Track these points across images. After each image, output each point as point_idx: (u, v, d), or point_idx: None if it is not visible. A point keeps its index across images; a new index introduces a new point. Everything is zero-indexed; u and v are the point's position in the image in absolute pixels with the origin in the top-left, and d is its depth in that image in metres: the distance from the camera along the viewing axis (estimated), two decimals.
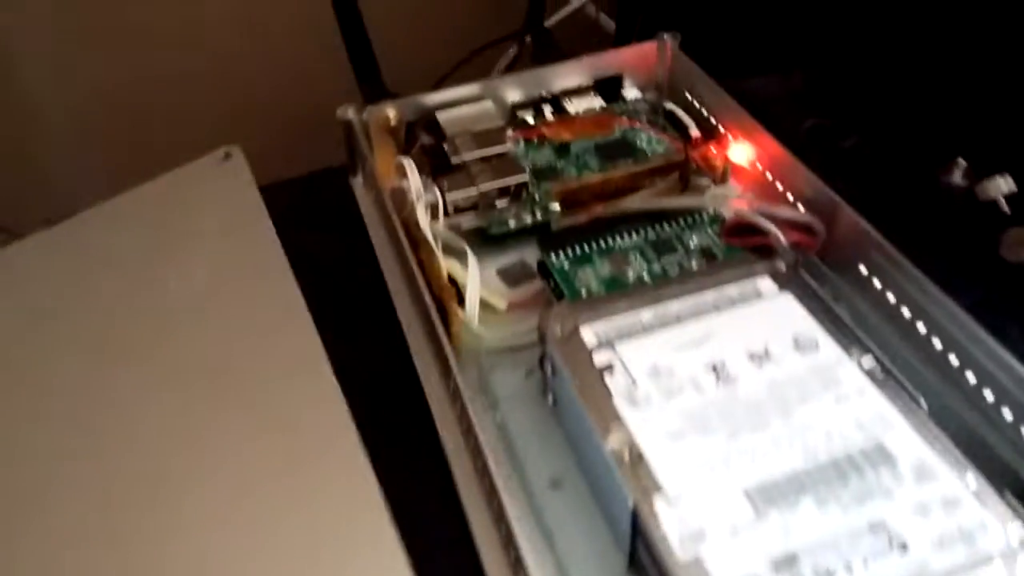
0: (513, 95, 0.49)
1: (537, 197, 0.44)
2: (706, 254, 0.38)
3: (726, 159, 0.45)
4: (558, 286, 0.38)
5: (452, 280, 0.40)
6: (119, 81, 0.80)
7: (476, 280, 0.39)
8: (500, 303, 0.40)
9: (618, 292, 0.35)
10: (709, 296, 0.35)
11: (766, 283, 0.35)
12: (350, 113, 0.46)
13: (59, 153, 0.82)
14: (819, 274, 0.39)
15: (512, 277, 0.42)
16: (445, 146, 0.45)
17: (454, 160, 0.44)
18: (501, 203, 0.43)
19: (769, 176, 0.43)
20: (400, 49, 0.72)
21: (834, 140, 0.51)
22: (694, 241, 0.39)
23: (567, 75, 0.50)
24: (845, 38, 0.57)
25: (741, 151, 0.45)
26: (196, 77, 0.80)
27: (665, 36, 0.50)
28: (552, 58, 0.82)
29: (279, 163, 0.61)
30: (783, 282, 0.35)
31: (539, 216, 0.43)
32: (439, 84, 0.75)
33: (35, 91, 0.79)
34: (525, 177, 0.43)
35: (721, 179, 0.44)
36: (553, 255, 0.39)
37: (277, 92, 0.79)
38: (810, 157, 0.41)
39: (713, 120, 0.47)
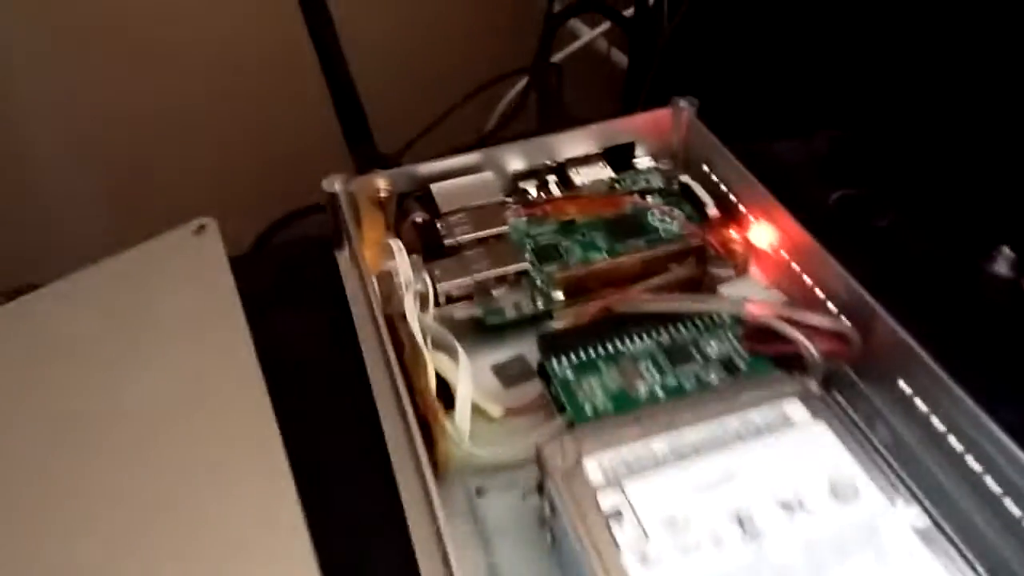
0: (515, 163, 0.45)
1: (538, 282, 0.40)
2: (727, 365, 0.34)
3: (748, 245, 0.41)
4: (559, 397, 0.34)
5: (441, 379, 0.36)
6: (102, 142, 0.76)
7: (468, 389, 0.35)
8: (495, 410, 0.36)
9: (627, 415, 0.31)
10: (731, 423, 0.30)
11: (796, 409, 0.31)
12: (336, 185, 0.42)
13: (40, 215, 0.79)
14: (854, 388, 0.34)
15: (509, 376, 0.38)
16: (439, 225, 0.41)
17: (448, 242, 0.40)
18: (498, 291, 0.39)
19: (796, 267, 0.39)
20: (392, 94, 0.68)
21: (866, 214, 0.47)
22: (713, 348, 0.35)
23: (574, 143, 0.46)
24: (876, 97, 0.53)
25: (764, 235, 0.41)
26: (183, 139, 0.76)
27: (681, 103, 0.46)
28: (559, 97, 0.78)
29: (263, 231, 0.57)
30: (816, 408, 0.31)
31: (540, 305, 0.39)
32: (433, 127, 0.72)
33: (18, 148, 0.76)
34: (525, 265, 0.39)
35: (742, 269, 0.39)
36: (555, 360, 0.35)
37: (264, 157, 0.75)
38: (840, 234, 0.38)
39: (733, 197, 0.43)
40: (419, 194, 0.44)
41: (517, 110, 0.79)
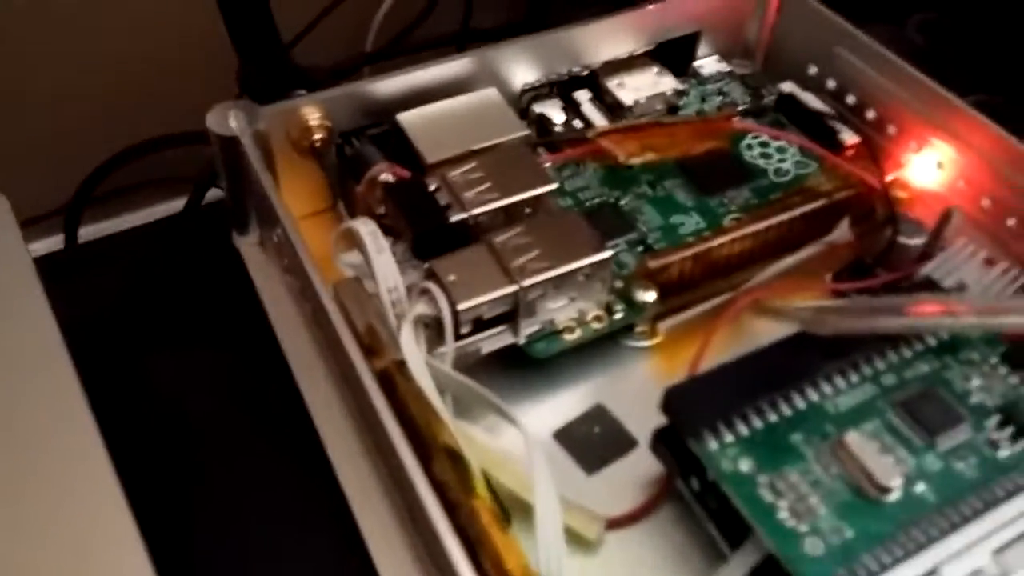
0: (521, 73, 0.28)
1: (615, 274, 0.24)
2: (1012, 418, 0.19)
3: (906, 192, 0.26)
4: (723, 502, 0.18)
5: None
6: None
7: (552, 503, 0.18)
8: (591, 528, 0.20)
9: (890, 543, 0.16)
10: None
11: None
12: (233, 120, 0.24)
13: None
14: None
15: (588, 449, 0.22)
16: (434, 189, 0.23)
17: (456, 217, 0.23)
18: (552, 300, 0.22)
19: (1012, 222, 0.24)
20: None
21: None
22: (975, 388, 0.20)
23: (609, 37, 0.29)
24: None
25: (931, 165, 0.26)
26: None
27: None
28: None
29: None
30: None
31: (619, 316, 0.23)
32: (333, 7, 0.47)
33: None
34: (605, 253, 0.22)
35: (936, 237, 0.24)
36: (711, 436, 0.19)
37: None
38: None
39: (872, 113, 0.28)
40: (375, 132, 0.26)
41: None
